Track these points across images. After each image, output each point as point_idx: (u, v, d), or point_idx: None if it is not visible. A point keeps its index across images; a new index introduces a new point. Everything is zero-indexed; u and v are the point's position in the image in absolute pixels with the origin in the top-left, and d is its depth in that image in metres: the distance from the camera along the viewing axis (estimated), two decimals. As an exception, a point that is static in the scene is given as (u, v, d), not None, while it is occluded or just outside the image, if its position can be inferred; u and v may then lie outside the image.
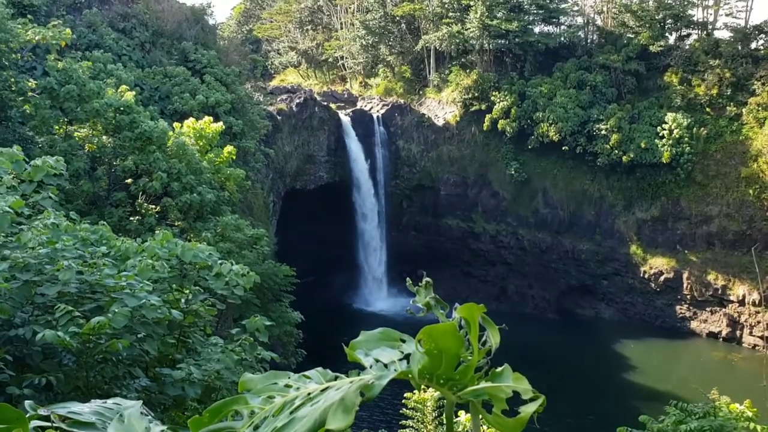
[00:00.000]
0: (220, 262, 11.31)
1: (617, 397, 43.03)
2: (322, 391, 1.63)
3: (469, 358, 1.91)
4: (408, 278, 2.64)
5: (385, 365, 1.82)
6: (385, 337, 1.98)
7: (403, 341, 1.99)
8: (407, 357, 1.89)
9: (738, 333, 52.78)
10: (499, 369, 1.96)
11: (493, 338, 1.98)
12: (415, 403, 17.38)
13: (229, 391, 11.73)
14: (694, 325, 55.13)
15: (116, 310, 8.34)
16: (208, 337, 12.67)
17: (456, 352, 1.81)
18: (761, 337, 51.48)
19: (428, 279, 2.37)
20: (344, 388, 1.58)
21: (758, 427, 10.14)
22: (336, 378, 1.77)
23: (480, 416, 1.98)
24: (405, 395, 18.12)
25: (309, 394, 1.62)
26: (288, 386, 1.70)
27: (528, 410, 1.85)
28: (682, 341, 53.71)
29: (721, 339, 53.37)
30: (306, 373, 1.83)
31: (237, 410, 1.64)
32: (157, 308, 9.22)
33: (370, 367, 1.80)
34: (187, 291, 11.70)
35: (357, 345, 1.91)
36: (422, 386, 1.95)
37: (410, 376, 1.83)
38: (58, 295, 8.99)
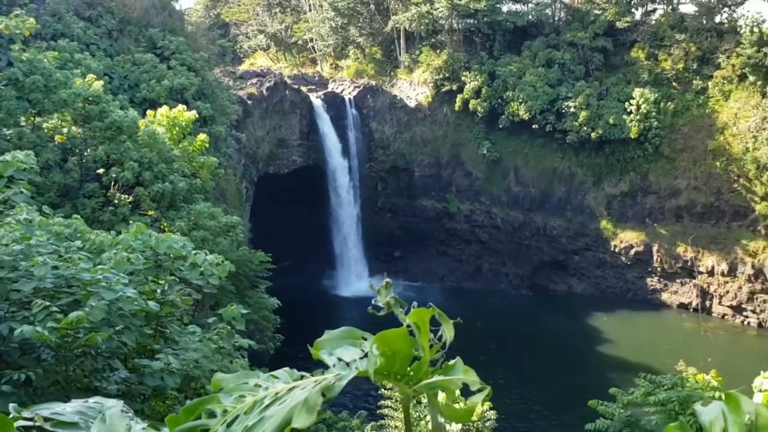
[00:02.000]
0: (194, 252, 11.43)
1: (591, 369, 43.93)
2: (289, 390, 1.82)
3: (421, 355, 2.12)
4: (371, 282, 2.86)
5: (347, 364, 2.02)
6: (348, 335, 2.17)
7: (365, 339, 2.19)
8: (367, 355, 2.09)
9: (708, 303, 54.00)
10: (451, 362, 2.17)
11: (448, 333, 2.19)
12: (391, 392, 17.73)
13: (207, 379, 11.92)
14: (664, 296, 56.28)
15: (93, 304, 8.46)
16: (185, 326, 12.83)
17: (408, 353, 2.02)
18: (730, 307, 52.79)
19: (388, 279, 2.59)
20: (308, 388, 1.78)
21: (722, 395, 10.56)
22: (302, 377, 1.97)
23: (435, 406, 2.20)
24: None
25: (277, 393, 1.81)
26: (258, 386, 1.89)
27: (475, 401, 2.06)
28: (653, 313, 54.82)
29: (691, 309, 54.57)
30: (274, 372, 2.02)
31: (211, 409, 1.82)
32: (134, 300, 9.34)
33: (333, 366, 2.00)
34: (163, 282, 11.83)
35: (321, 345, 2.11)
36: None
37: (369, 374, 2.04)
38: (34, 290, 9.07)
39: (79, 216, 12.65)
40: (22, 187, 12.15)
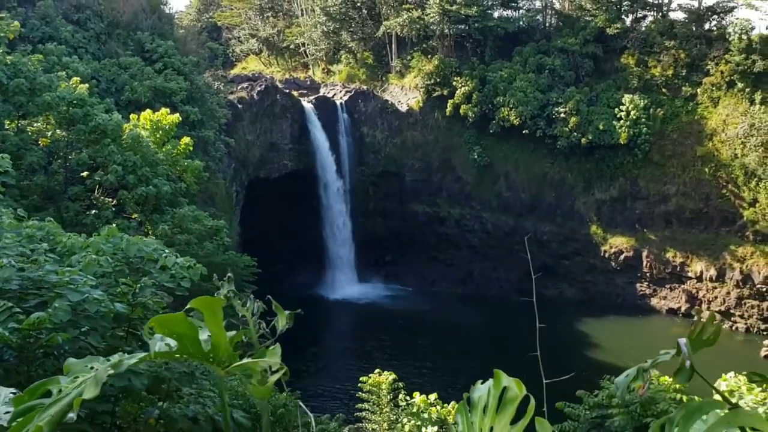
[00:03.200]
0: (165, 255, 11.51)
1: (578, 374, 43.91)
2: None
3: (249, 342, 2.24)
4: (238, 301, 3.05)
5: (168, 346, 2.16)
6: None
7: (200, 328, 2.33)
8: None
9: (696, 308, 54.22)
10: (271, 348, 2.32)
11: (281, 321, 2.33)
12: (370, 386, 17.82)
13: (178, 381, 12.01)
14: (654, 302, 56.47)
15: (56, 305, 8.53)
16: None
17: (192, 335, 2.16)
18: (718, 312, 52.98)
19: (230, 274, 2.74)
20: (102, 367, 1.91)
21: (684, 397, 10.69)
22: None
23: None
24: (361, 379, 18.54)
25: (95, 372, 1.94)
26: (92, 368, 2.03)
27: (273, 379, 2.23)
28: (642, 318, 54.99)
29: (680, 315, 54.76)
30: (114, 356, 2.16)
31: (50, 389, 1.95)
32: (101, 302, 9.42)
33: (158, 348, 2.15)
34: (137, 285, 11.90)
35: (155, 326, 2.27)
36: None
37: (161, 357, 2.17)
38: None
39: (52, 219, 12.72)
40: (-4, 189, 12.22)
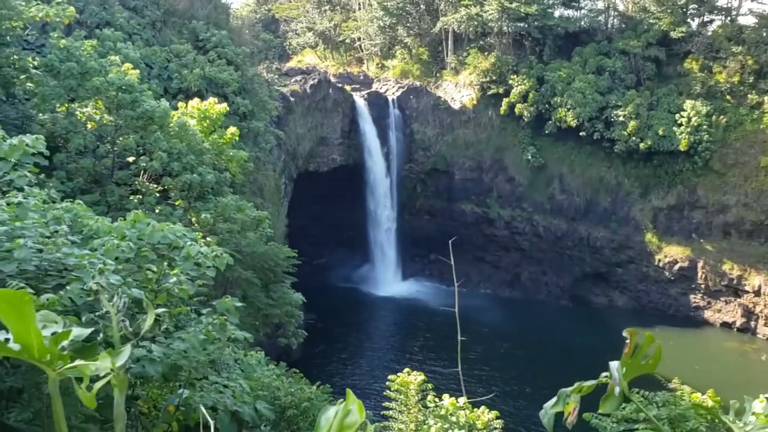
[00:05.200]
0: (189, 243, 11.32)
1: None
2: None
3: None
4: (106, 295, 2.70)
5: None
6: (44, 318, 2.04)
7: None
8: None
9: (753, 324, 52.16)
10: (122, 350, 2.06)
11: (148, 320, 2.05)
12: (398, 386, 17.44)
13: (195, 370, 11.84)
14: (708, 314, 54.55)
15: (68, 288, 8.39)
16: (196, 315, 12.75)
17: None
18: (776, 329, 50.87)
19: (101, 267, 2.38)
20: None
21: (716, 418, 10.00)
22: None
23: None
24: (389, 377, 18.17)
25: None
26: None
27: (98, 385, 2.01)
28: (695, 330, 53.20)
29: (735, 329, 52.77)
30: None
31: None
32: (117, 287, 9.25)
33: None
34: (161, 271, 11.75)
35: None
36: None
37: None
38: (18, 271, 9.06)
39: (81, 202, 12.67)
40: (29, 170, 12.23)
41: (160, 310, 9.93)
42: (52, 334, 2.01)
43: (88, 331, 2.53)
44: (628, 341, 2.43)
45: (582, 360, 47.04)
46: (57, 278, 9.63)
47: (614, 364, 1.83)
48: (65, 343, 2.11)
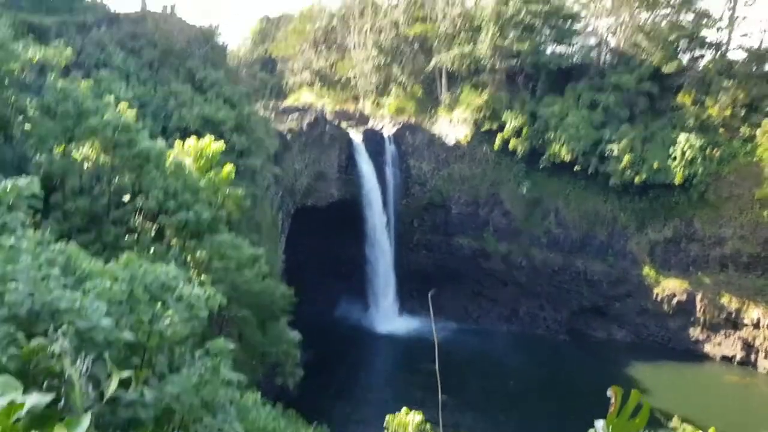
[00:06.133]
0: (181, 285, 11.32)
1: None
2: None
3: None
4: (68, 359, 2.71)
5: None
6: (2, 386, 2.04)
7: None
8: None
9: (753, 357, 51.82)
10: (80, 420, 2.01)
11: (112, 385, 2.02)
12: (396, 427, 17.26)
13: (188, 413, 11.71)
14: (707, 348, 54.23)
15: (60, 332, 8.36)
16: (191, 357, 12.66)
17: None
18: (777, 362, 50.54)
19: (66, 327, 2.38)
20: None
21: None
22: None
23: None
24: (387, 418, 17.96)
25: None
26: None
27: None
28: (695, 364, 52.83)
29: (735, 363, 52.41)
30: None
31: None
32: (108, 330, 9.24)
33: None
34: (157, 311, 11.72)
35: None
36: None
37: None
38: (9, 315, 9.04)
39: (76, 244, 12.72)
40: (22, 212, 12.26)
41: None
42: (9, 403, 2.01)
43: (48, 399, 2.53)
44: (613, 400, 2.38)
45: (582, 396, 46.55)
46: (49, 321, 9.62)
47: (600, 424, 1.81)
48: (21, 413, 2.10)
